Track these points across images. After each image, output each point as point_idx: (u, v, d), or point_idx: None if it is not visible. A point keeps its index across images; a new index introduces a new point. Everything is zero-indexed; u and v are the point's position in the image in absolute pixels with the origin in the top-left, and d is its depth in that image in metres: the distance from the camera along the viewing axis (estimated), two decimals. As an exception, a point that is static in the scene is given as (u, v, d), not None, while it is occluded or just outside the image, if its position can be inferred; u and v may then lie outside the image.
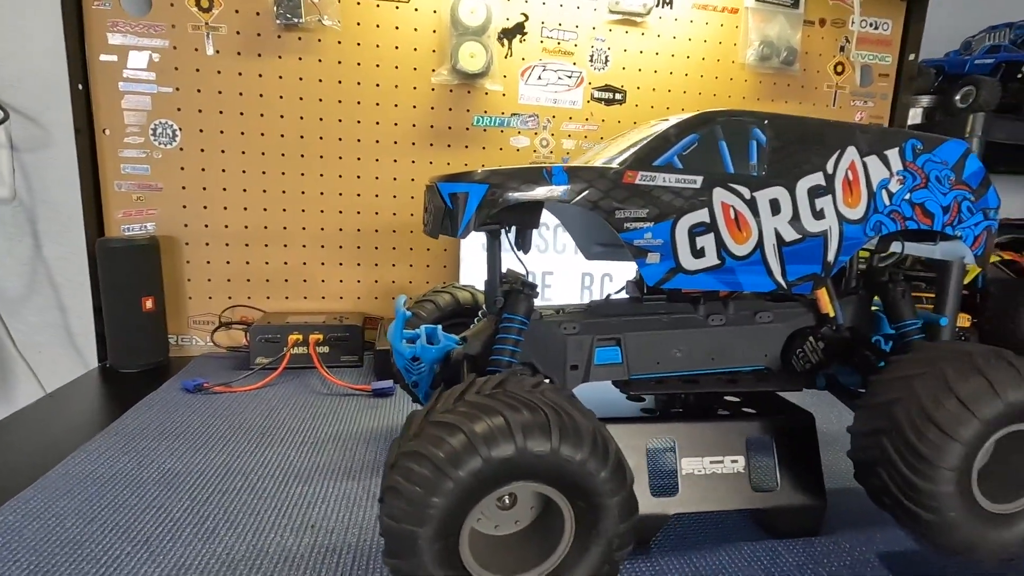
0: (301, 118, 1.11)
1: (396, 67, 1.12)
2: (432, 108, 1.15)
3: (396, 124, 1.15)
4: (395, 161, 1.16)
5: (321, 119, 1.12)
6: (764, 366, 0.61)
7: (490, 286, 0.58)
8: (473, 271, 1.15)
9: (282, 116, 1.10)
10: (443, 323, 0.76)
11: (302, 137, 1.12)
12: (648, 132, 0.55)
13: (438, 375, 0.57)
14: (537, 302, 0.56)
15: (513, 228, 0.56)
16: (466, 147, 1.18)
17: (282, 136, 1.11)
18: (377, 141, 1.15)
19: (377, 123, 1.14)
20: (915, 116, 1.45)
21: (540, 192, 0.48)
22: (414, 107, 1.15)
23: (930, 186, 0.56)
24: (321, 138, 1.13)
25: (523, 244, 0.58)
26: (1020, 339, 1.44)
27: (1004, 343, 1.46)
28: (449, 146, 1.18)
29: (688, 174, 0.51)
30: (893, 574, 0.53)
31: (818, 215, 0.54)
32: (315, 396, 0.93)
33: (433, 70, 1.13)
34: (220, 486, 0.64)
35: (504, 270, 0.58)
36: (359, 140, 1.14)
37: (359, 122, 1.13)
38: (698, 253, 0.52)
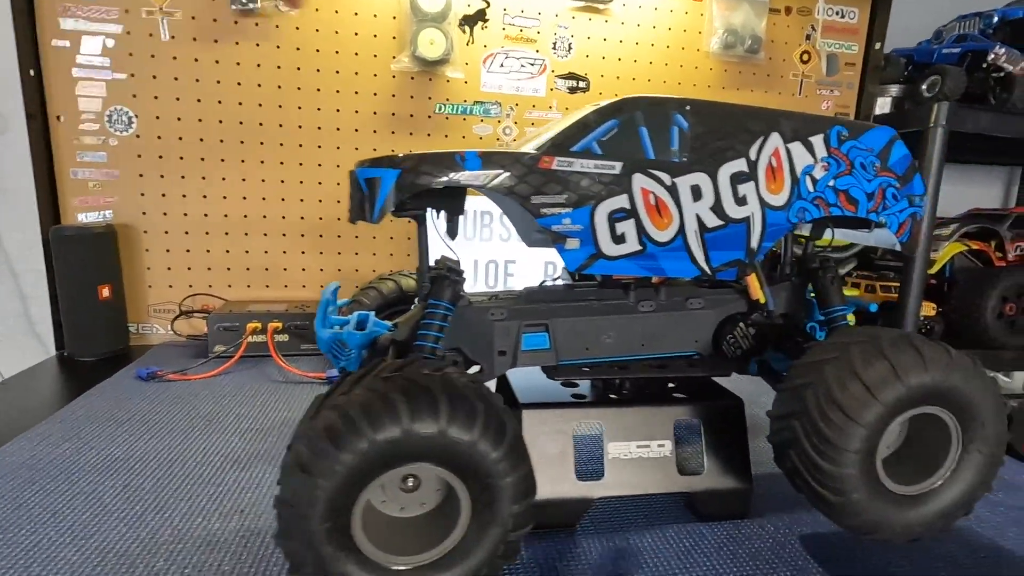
0: (260, 105, 1.10)
1: (356, 54, 1.12)
2: (393, 96, 1.15)
3: (356, 112, 1.14)
4: (356, 149, 1.15)
5: (280, 106, 1.11)
6: (695, 352, 0.62)
7: (419, 273, 0.58)
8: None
9: (240, 103, 1.10)
10: (386, 310, 0.77)
11: (261, 124, 1.11)
12: (574, 118, 0.55)
13: (365, 360, 0.57)
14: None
15: (441, 214, 0.56)
16: (428, 135, 1.18)
17: (240, 123, 1.10)
18: (337, 129, 1.14)
19: (337, 110, 1.13)
20: (884, 106, 1.45)
21: (452, 177, 0.48)
22: (375, 94, 1.14)
23: (855, 173, 0.57)
24: (280, 126, 1.12)
25: (451, 230, 0.58)
26: (984, 328, 1.46)
27: (969, 332, 1.48)
28: (411, 134, 1.17)
29: (607, 160, 0.51)
30: (812, 554, 0.54)
31: (741, 201, 0.54)
32: (269, 384, 0.93)
33: (393, 57, 1.12)
34: (156, 472, 0.64)
35: (439, 257, 0.59)
36: (319, 128, 1.13)
37: (319, 109, 1.13)
38: (619, 239, 0.52)
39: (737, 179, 0.54)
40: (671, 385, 0.66)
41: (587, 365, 0.60)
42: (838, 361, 0.48)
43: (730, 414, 0.60)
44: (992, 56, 1.30)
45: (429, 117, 1.17)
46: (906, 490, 0.48)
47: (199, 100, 1.08)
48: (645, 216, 0.52)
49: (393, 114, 1.16)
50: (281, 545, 0.37)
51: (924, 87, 1.37)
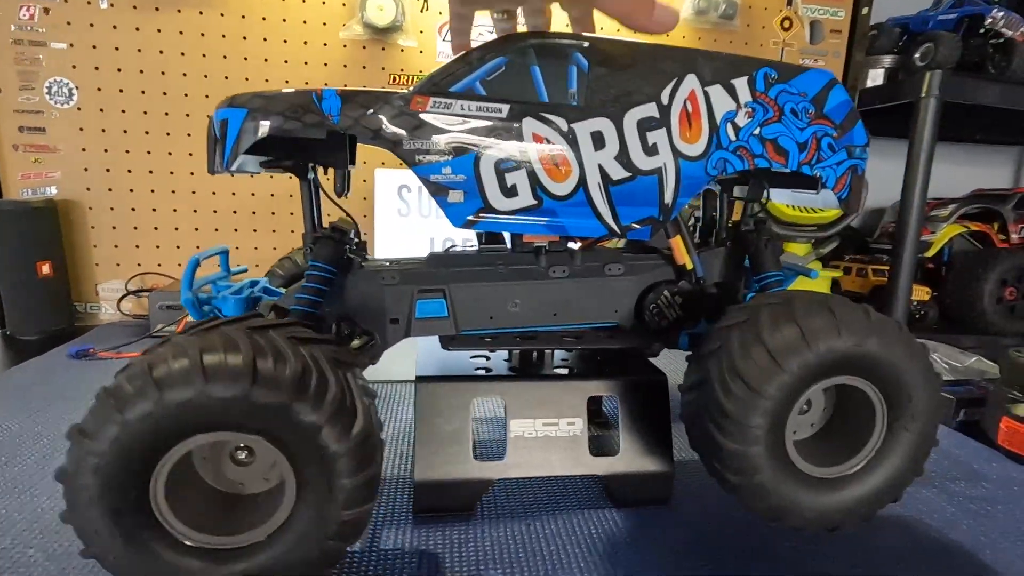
0: (205, 76, 1.06)
1: (304, 22, 1.07)
2: (344, 66, 1.10)
3: (306, 83, 1.09)
4: (307, 122, 1.11)
5: (226, 77, 1.07)
6: (615, 322, 0.56)
7: (304, 235, 0.53)
8: (388, 237, 1.10)
9: (184, 74, 1.06)
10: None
11: (207, 97, 1.07)
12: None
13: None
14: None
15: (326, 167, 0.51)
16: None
17: (186, 96, 1.07)
18: (287, 101, 1.10)
19: (287, 82, 1.09)
20: (876, 77, 1.37)
21: (308, 119, 0.43)
22: (325, 64, 1.09)
23: (784, 120, 0.50)
24: (267, 79, 1.08)
25: (339, 187, 0.53)
26: (981, 313, 1.37)
27: (966, 318, 1.39)
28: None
29: (492, 102, 0.46)
30: (735, 547, 0.48)
31: (650, 151, 0.49)
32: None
33: (343, 25, 1.07)
34: (58, 447, 0.61)
35: (336, 220, 0.54)
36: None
37: (267, 80, 1.08)
38: (509, 191, 0.47)
39: (646, 125, 0.48)
40: (598, 359, 0.61)
41: (491, 336, 0.55)
42: (745, 325, 0.42)
43: (651, 390, 0.55)
44: (990, 20, 1.22)
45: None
46: (822, 472, 0.42)
47: (141, 71, 1.04)
48: (539, 166, 0.47)
49: (345, 85, 1.11)
50: (68, 522, 0.32)
51: (917, 56, 1.28)
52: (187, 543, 0.34)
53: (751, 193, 0.58)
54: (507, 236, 0.56)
